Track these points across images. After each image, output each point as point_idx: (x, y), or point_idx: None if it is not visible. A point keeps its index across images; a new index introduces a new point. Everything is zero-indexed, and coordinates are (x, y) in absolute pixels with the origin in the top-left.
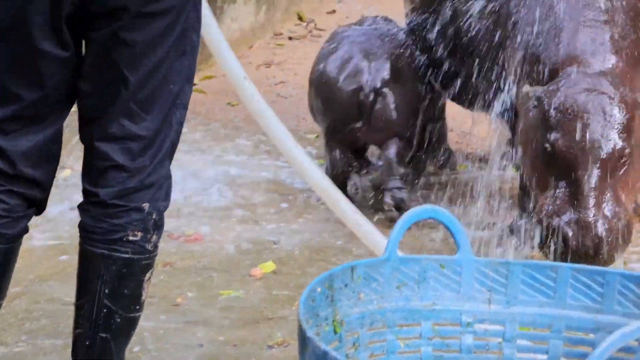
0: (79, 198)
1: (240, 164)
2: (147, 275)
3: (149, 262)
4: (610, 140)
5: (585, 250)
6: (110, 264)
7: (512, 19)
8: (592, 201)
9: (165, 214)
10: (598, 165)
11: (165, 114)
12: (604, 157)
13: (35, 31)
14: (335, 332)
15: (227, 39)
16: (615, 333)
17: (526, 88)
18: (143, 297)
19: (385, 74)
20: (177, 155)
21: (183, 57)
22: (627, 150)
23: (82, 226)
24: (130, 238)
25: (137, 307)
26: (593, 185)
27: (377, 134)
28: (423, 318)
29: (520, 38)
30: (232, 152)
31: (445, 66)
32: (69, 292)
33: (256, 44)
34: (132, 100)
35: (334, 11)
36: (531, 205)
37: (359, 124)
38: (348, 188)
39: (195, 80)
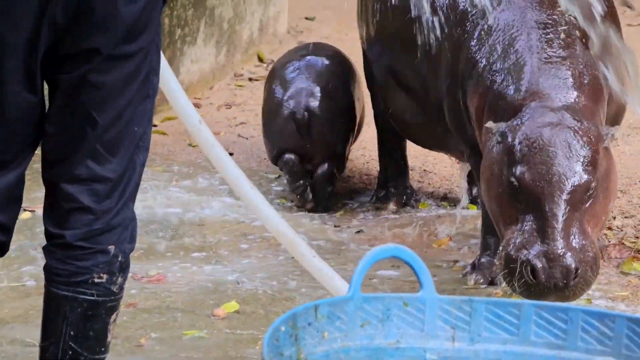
0: (42, 240)
1: (201, 203)
2: (113, 317)
3: (115, 304)
4: (576, 173)
5: (554, 283)
6: (75, 306)
7: (472, 57)
8: (560, 234)
9: None
10: (565, 198)
11: (129, 156)
12: (570, 190)
13: (7, 76)
14: None
15: (187, 81)
16: None
17: (489, 124)
18: (109, 339)
19: (319, 97)
20: (138, 195)
21: (147, 100)
22: (593, 184)
23: (47, 268)
24: (96, 280)
25: (103, 349)
26: (561, 218)
27: (315, 153)
28: (387, 356)
29: (481, 76)
30: (193, 192)
31: (404, 110)
32: (31, 334)
33: (216, 85)
34: (98, 142)
35: None
36: (493, 241)
37: (300, 144)
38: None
39: (156, 122)
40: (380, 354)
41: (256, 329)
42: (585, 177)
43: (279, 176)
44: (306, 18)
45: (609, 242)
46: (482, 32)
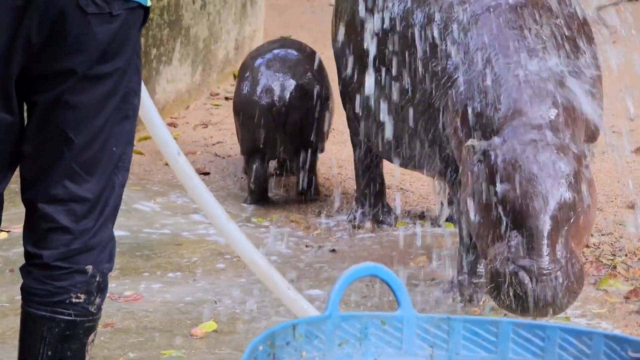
0: (18, 260)
1: (177, 223)
2: (91, 337)
3: (92, 324)
4: (560, 191)
5: (541, 297)
6: (53, 326)
7: (450, 75)
8: (546, 249)
9: None
10: (550, 215)
11: (107, 176)
12: (554, 207)
13: None
14: None
15: (163, 100)
16: None
17: (471, 142)
18: None
19: (294, 91)
20: (119, 214)
21: (125, 121)
22: (576, 201)
23: (24, 288)
24: (74, 300)
25: None
26: (546, 235)
27: (289, 145)
28: None
29: (460, 93)
30: (169, 211)
31: (380, 129)
32: (9, 354)
33: (192, 105)
34: (75, 162)
35: None
36: (471, 259)
37: (275, 136)
38: (269, 194)
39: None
40: None
41: (234, 349)
42: (569, 194)
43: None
44: (281, 37)
45: (586, 259)
46: (460, 50)
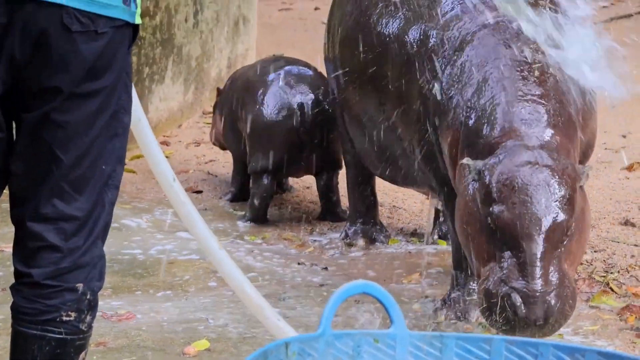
0: (11, 278)
1: (169, 241)
2: (81, 355)
3: (83, 342)
4: (554, 213)
5: (534, 319)
6: (43, 345)
7: (445, 93)
8: (539, 272)
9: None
10: (544, 237)
11: (97, 195)
12: (548, 229)
13: None
14: None
15: (156, 119)
16: None
17: (466, 161)
18: None
19: (317, 108)
20: (111, 233)
21: (115, 139)
22: (570, 223)
23: (14, 307)
24: (64, 318)
25: None
26: (539, 257)
27: (311, 163)
28: None
29: (455, 112)
30: (161, 230)
31: (373, 146)
32: None
33: (185, 123)
34: (64, 181)
35: None
36: (463, 276)
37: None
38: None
39: (125, 160)
40: None
41: None
42: (563, 216)
43: (245, 213)
44: (274, 56)
45: (579, 276)
46: (455, 68)
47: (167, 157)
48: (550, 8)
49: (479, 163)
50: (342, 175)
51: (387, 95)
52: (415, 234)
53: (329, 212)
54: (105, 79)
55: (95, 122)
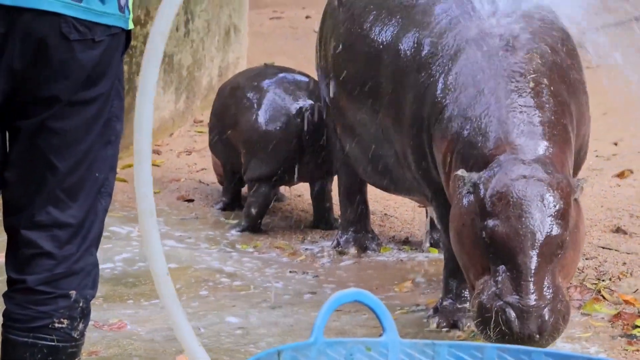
0: (3, 287)
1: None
2: None
3: (75, 350)
4: (549, 227)
5: (528, 334)
6: (35, 352)
7: (439, 103)
8: (533, 286)
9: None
10: (537, 251)
11: (91, 202)
12: (543, 243)
13: None
14: None
15: None
16: None
17: (461, 172)
18: None
19: (315, 115)
20: (102, 242)
21: (108, 146)
22: (565, 237)
23: (5, 314)
24: (57, 325)
25: None
26: (534, 271)
27: (309, 171)
28: None
29: (449, 122)
30: None
31: (365, 154)
32: None
33: (176, 132)
34: (58, 188)
35: None
36: (455, 284)
37: (297, 162)
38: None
39: (116, 169)
40: None
41: None
42: (558, 230)
43: (238, 222)
44: (265, 64)
45: (571, 283)
46: (449, 77)
47: (158, 165)
48: None
49: (474, 176)
50: (333, 183)
51: (380, 103)
52: (407, 242)
53: (321, 218)
54: (101, 86)
55: (91, 130)
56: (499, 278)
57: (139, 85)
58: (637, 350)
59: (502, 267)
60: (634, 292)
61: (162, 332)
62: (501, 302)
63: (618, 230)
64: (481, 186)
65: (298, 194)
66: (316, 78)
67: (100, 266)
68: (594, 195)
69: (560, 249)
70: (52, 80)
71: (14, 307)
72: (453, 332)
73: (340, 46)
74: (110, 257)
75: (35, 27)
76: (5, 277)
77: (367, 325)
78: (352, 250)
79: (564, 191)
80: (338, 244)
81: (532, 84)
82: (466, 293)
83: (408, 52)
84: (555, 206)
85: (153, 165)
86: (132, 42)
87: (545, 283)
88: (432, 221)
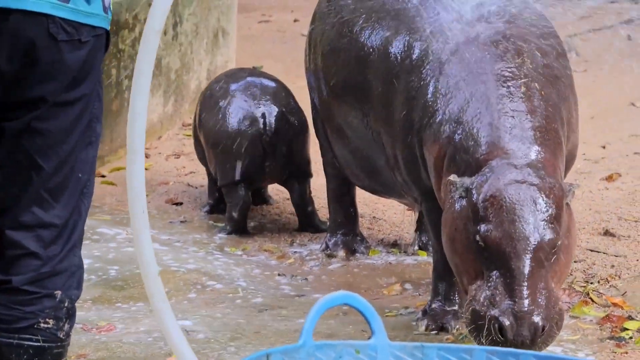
0: None
1: None
2: None
3: (61, 350)
4: (542, 232)
5: (521, 340)
6: (21, 353)
7: (430, 107)
8: (526, 292)
9: (76, 304)
10: (531, 256)
11: (74, 203)
12: (536, 248)
13: None
14: None
15: None
16: None
17: (453, 177)
18: None
19: (280, 117)
20: (87, 245)
21: (89, 147)
22: (557, 241)
23: None
24: (42, 325)
25: None
26: (527, 276)
27: (278, 173)
28: None
29: (441, 126)
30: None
31: (354, 158)
32: None
33: (165, 135)
34: (43, 188)
35: None
36: (444, 287)
37: (264, 165)
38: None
39: (105, 172)
40: None
41: None
42: (551, 235)
43: (224, 225)
44: (253, 67)
45: None
46: (441, 81)
47: (146, 169)
48: None
49: (466, 180)
50: (321, 186)
51: (370, 106)
52: (395, 245)
53: (306, 224)
54: (84, 86)
55: (74, 130)
56: (492, 283)
57: (132, 84)
58: (626, 353)
59: (494, 273)
60: (622, 294)
61: (151, 334)
62: (494, 309)
63: (606, 233)
64: (474, 191)
65: (287, 197)
66: (303, 81)
67: (89, 269)
68: (583, 198)
69: (552, 254)
70: (40, 81)
71: (0, 308)
72: (442, 334)
73: (330, 49)
74: (99, 260)
75: (23, 28)
76: None
77: (356, 328)
78: (341, 253)
79: (556, 195)
80: (327, 246)
81: (523, 89)
82: (455, 296)
83: (398, 55)
84: (548, 211)
85: None
86: (120, 46)
87: (539, 288)
88: (420, 223)
